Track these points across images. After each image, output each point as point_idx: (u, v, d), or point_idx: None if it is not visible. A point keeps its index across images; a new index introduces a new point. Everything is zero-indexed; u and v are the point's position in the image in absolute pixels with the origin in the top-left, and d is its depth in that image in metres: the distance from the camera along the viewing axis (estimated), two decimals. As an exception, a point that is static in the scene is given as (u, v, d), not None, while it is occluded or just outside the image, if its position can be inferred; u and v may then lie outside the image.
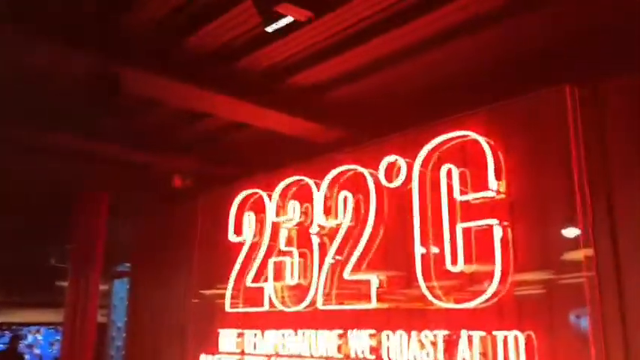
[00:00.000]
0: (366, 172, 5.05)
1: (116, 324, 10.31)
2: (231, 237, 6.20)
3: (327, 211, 5.28)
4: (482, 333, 4.12)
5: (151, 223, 8.18)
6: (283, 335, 5.48)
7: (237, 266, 6.09)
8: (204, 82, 4.65)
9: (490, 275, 4.12)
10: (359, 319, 4.93)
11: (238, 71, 4.82)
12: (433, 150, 4.61)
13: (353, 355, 4.87)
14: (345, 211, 5.15)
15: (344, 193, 5.19)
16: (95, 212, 8.27)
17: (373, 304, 4.77)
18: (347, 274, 4.97)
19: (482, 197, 4.27)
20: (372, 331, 4.79)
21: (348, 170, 5.24)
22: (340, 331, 5.01)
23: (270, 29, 3.34)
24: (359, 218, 5.07)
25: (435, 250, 4.48)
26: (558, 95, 3.99)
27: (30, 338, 16.29)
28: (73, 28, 3.89)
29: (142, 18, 4.14)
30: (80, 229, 8.29)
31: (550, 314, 3.90)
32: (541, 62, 4.37)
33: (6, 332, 15.31)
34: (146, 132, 6.28)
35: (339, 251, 5.13)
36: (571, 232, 3.89)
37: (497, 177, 4.21)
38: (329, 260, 5.17)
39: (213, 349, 6.13)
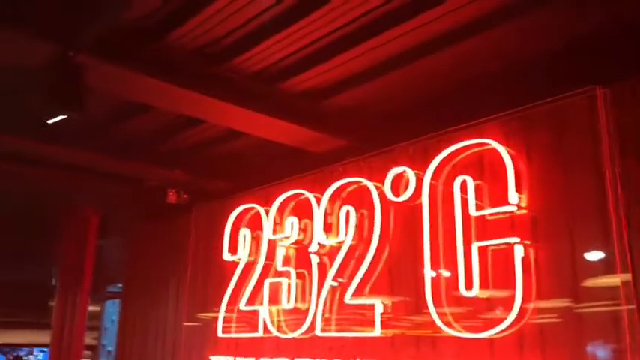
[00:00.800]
0: (370, 185, 4.83)
1: (106, 348, 9.93)
2: (226, 256, 5.99)
3: (328, 228, 5.06)
4: (500, 366, 3.81)
5: (142, 240, 7.89)
6: (278, 364, 5.27)
7: (230, 287, 5.87)
8: (189, 83, 4.32)
9: (509, 301, 3.81)
10: (361, 348, 4.68)
11: (229, 73, 4.50)
12: (446, 160, 4.35)
13: (354, 388, 4.62)
14: (347, 228, 4.91)
15: (346, 208, 4.95)
16: (84, 228, 8.08)
17: (377, 331, 4.51)
18: (348, 298, 4.71)
19: (501, 212, 3.98)
20: (376, 362, 4.53)
21: (351, 183, 5.02)
22: (340, 361, 4.77)
23: None
24: (362, 236, 4.83)
25: (446, 272, 4.20)
26: (588, 98, 3.67)
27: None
28: (37, 14, 3.52)
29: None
30: (68, 246, 8.04)
31: (578, 347, 3.52)
32: (567, 61, 3.98)
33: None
34: (134, 142, 5.95)
35: (340, 272, 4.88)
36: (603, 253, 3.52)
37: (518, 190, 3.92)
38: (329, 282, 4.93)
39: (204, 377, 5.92)
